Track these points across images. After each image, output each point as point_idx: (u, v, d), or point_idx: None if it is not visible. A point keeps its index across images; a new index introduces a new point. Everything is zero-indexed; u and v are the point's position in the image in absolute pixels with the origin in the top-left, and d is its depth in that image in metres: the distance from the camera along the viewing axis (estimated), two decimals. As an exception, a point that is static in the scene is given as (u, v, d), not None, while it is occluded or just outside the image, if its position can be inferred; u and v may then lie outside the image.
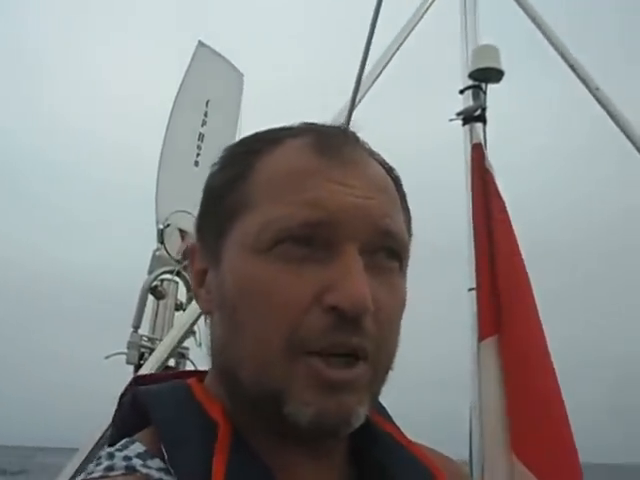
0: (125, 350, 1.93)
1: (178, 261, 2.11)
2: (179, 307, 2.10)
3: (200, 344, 1.98)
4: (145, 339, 1.97)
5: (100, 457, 0.54)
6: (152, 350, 1.92)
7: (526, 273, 1.75)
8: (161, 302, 2.05)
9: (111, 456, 0.54)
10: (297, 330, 0.52)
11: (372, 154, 0.62)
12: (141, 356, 1.92)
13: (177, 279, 2.11)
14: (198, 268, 0.62)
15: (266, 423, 0.55)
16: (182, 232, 2.18)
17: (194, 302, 1.70)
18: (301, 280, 0.53)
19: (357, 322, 0.52)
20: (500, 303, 1.68)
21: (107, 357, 1.93)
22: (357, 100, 1.91)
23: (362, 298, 0.51)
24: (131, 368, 1.93)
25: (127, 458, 0.53)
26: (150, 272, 2.06)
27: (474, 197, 1.88)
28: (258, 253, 0.54)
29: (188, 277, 2.13)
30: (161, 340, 1.94)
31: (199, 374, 0.64)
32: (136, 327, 1.97)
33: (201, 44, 2.57)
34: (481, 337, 1.73)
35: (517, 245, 1.78)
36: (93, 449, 1.32)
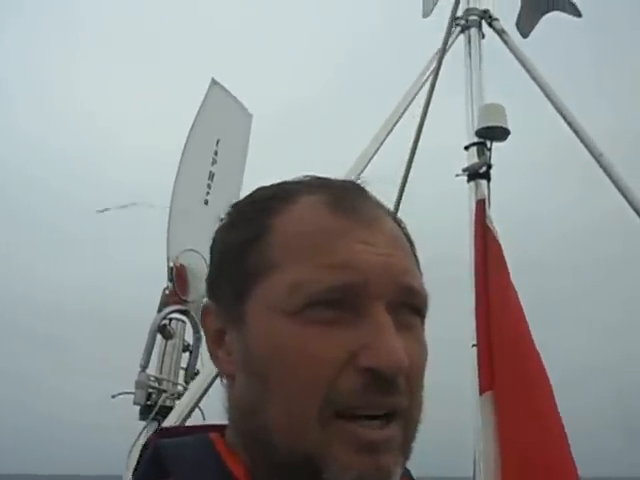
0: (132, 390, 1.93)
1: (187, 301, 2.12)
2: (186, 348, 2.10)
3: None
4: (152, 379, 1.96)
5: None
6: (159, 390, 1.92)
7: (526, 329, 1.78)
8: (169, 342, 2.05)
9: None
10: (331, 393, 0.52)
11: (381, 206, 0.62)
12: (148, 396, 1.92)
13: (185, 319, 2.12)
14: (214, 328, 0.61)
15: None
16: (192, 271, 2.20)
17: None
18: (333, 342, 0.53)
19: (392, 382, 0.52)
20: (493, 361, 1.73)
21: (114, 396, 1.92)
22: (370, 157, 1.96)
23: (399, 359, 0.51)
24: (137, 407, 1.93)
25: None
26: (159, 310, 2.07)
27: (476, 253, 1.93)
28: (288, 316, 0.54)
29: (195, 317, 2.14)
30: (169, 381, 1.95)
31: (220, 428, 0.62)
32: (144, 367, 1.96)
33: (214, 82, 2.61)
34: (481, 390, 1.77)
35: (517, 302, 1.83)
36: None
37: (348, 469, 0.51)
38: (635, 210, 1.92)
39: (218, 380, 0.63)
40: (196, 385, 1.65)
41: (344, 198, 0.58)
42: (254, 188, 0.65)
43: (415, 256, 0.63)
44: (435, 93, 2.54)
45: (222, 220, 0.64)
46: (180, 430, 0.66)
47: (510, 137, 2.30)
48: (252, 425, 0.56)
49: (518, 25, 3.07)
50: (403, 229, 0.63)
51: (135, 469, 0.63)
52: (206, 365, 1.71)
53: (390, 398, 0.53)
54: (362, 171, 1.92)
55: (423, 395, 0.58)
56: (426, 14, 2.81)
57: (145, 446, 0.63)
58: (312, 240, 0.55)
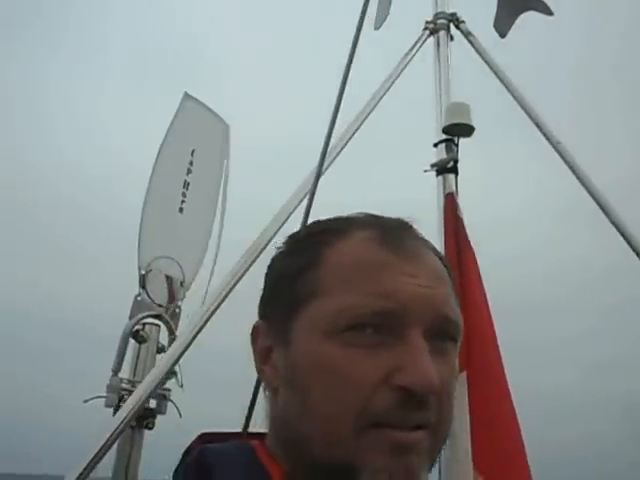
0: (104, 394, 1.95)
1: (161, 305, 2.15)
2: (161, 350, 2.13)
3: (182, 385, 2.01)
4: (125, 382, 1.99)
5: None
6: (132, 393, 1.94)
7: (490, 317, 1.85)
8: (142, 346, 2.08)
9: None
10: (367, 407, 0.57)
11: (425, 243, 0.68)
12: (120, 399, 1.94)
13: (159, 323, 2.15)
14: (263, 346, 0.67)
15: None
16: (166, 277, 2.24)
17: (175, 343, 1.74)
18: (371, 362, 0.58)
19: (424, 400, 0.57)
20: (468, 343, 1.76)
21: (86, 401, 1.94)
22: (325, 165, 1.98)
23: (431, 380, 0.56)
24: (110, 410, 1.95)
25: None
26: (131, 317, 2.10)
27: (446, 243, 1.99)
28: (331, 336, 0.59)
29: (170, 321, 2.17)
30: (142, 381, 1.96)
31: (260, 436, 0.68)
32: (116, 371, 1.99)
33: (187, 95, 2.68)
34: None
35: (483, 290, 1.88)
36: (79, 477, 1.37)
37: (380, 472, 0.56)
38: (593, 196, 1.94)
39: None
40: (157, 368, 1.68)
41: (392, 234, 0.64)
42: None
43: (454, 290, 0.67)
44: (406, 95, 2.60)
45: (279, 248, 0.71)
46: (222, 436, 0.71)
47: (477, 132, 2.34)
48: (292, 435, 0.61)
49: (495, 25, 3.13)
50: (446, 266, 0.68)
51: (176, 471, 0.67)
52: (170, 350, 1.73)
53: (420, 414, 0.58)
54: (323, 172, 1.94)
55: (452, 413, 0.63)
56: (377, 27, 2.89)
57: (187, 450, 0.68)
58: (360, 270, 0.61)
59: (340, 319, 0.59)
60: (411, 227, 0.68)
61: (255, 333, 0.69)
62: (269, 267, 0.71)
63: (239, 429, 0.83)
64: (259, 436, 0.68)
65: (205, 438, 0.69)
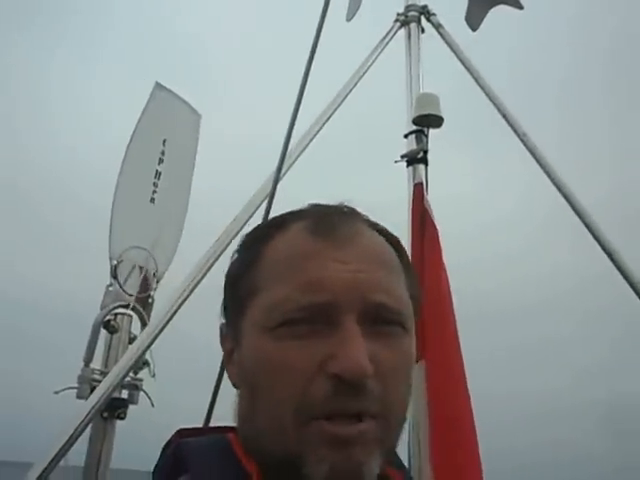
0: (76, 385, 1.95)
1: (133, 295, 2.15)
2: (132, 340, 2.12)
3: (154, 375, 2.01)
4: (97, 373, 1.99)
5: None
6: (104, 383, 1.94)
7: (452, 308, 1.88)
8: (114, 336, 2.08)
9: None
10: (305, 398, 0.57)
11: (373, 225, 0.68)
12: (92, 390, 1.93)
13: (131, 313, 2.15)
14: (228, 348, 0.69)
15: None
16: (138, 267, 2.23)
17: (145, 332, 1.74)
18: (306, 353, 0.58)
19: (358, 386, 0.57)
20: (425, 331, 1.79)
21: (57, 392, 1.94)
22: (294, 157, 1.99)
23: (360, 366, 0.56)
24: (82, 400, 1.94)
25: None
26: (103, 307, 2.10)
27: (412, 232, 2.02)
28: (268, 332, 0.60)
29: (142, 311, 2.17)
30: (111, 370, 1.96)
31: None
32: (87, 361, 1.99)
33: (158, 85, 2.66)
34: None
35: (447, 282, 1.90)
36: (48, 465, 1.38)
37: (321, 462, 0.57)
38: (556, 186, 1.99)
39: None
40: (126, 357, 1.68)
41: (325, 221, 0.64)
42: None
43: (407, 270, 0.67)
44: (376, 86, 2.62)
45: (234, 252, 0.72)
46: (200, 431, 0.72)
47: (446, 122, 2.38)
48: (247, 430, 0.63)
49: (467, 19, 3.16)
50: (396, 245, 0.68)
51: (155, 466, 0.69)
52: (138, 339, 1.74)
53: (357, 402, 0.58)
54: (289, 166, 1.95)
55: (403, 396, 0.63)
56: (348, 18, 2.91)
57: (166, 444, 0.69)
58: (291, 262, 0.61)
59: (273, 314, 0.60)
60: (350, 212, 0.68)
61: (222, 337, 0.71)
62: (226, 271, 0.72)
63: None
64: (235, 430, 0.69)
65: (184, 433, 0.70)
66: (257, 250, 0.66)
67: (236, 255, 0.71)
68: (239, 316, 0.65)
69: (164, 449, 0.69)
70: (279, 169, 1.77)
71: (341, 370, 0.56)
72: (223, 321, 0.71)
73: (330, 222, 0.64)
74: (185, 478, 0.61)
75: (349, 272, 0.60)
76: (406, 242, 2.12)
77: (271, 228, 0.68)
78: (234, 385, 0.68)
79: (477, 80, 2.51)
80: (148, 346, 1.63)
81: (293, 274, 0.60)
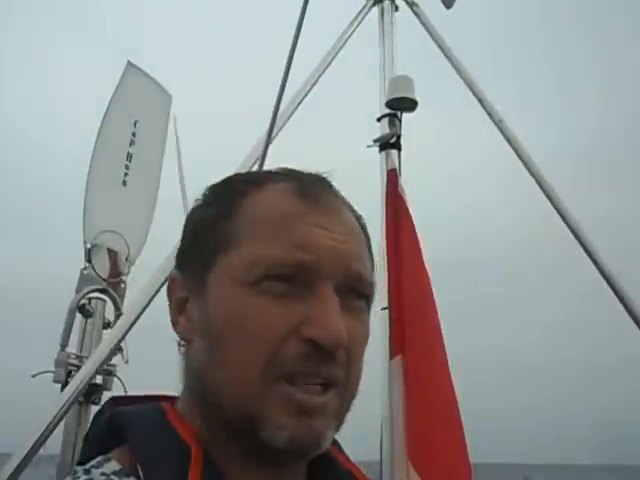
0: (52, 369, 1.95)
1: (106, 280, 2.15)
2: (107, 325, 2.13)
3: (127, 361, 2.03)
4: (73, 357, 1.99)
5: (77, 472, 0.58)
6: (80, 368, 1.95)
7: (431, 294, 1.87)
8: (89, 320, 2.08)
9: (88, 472, 0.57)
10: (274, 356, 0.57)
11: (342, 199, 0.69)
12: (68, 374, 1.94)
13: (105, 297, 2.15)
14: (178, 297, 0.66)
15: (241, 445, 0.60)
16: (110, 251, 2.22)
17: (122, 319, 1.75)
18: (282, 312, 0.58)
19: (332, 354, 0.58)
20: (404, 323, 1.80)
21: (34, 376, 1.94)
22: (274, 132, 1.99)
23: (338, 334, 0.57)
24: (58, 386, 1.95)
25: (104, 474, 0.57)
26: (78, 291, 2.09)
27: (387, 219, 2.01)
28: (246, 286, 0.59)
29: (116, 295, 2.17)
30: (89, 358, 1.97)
31: (171, 398, 0.68)
32: (63, 346, 1.99)
33: (130, 64, 2.61)
34: (392, 354, 1.83)
35: (424, 267, 1.91)
36: (27, 454, 1.39)
37: (282, 429, 0.57)
38: (525, 165, 2.03)
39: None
40: (104, 344, 1.70)
41: (309, 187, 0.65)
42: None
43: (369, 249, 0.69)
44: (349, 66, 2.60)
45: (197, 200, 0.70)
46: (133, 399, 0.70)
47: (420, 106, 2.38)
48: (204, 385, 0.61)
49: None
50: (361, 224, 0.69)
51: (87, 435, 0.67)
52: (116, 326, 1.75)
53: (328, 368, 0.59)
54: (265, 152, 1.95)
55: (360, 371, 0.64)
56: None
57: (99, 413, 0.68)
58: (275, 221, 0.61)
59: (255, 269, 0.59)
60: (330, 184, 0.69)
61: (171, 284, 0.68)
62: (187, 218, 0.69)
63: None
64: (169, 399, 0.68)
65: (117, 401, 0.69)
66: (233, 202, 0.65)
67: (202, 203, 0.69)
68: (206, 266, 0.63)
69: (96, 418, 0.68)
70: (266, 144, 1.77)
71: (317, 336, 0.57)
72: (176, 269, 0.68)
73: (314, 189, 0.65)
74: (125, 450, 0.60)
75: (334, 240, 0.61)
76: (379, 231, 2.12)
77: (247, 184, 0.67)
78: (182, 338, 0.65)
79: (450, 59, 2.50)
80: (125, 334, 1.64)
81: (281, 232, 0.60)
